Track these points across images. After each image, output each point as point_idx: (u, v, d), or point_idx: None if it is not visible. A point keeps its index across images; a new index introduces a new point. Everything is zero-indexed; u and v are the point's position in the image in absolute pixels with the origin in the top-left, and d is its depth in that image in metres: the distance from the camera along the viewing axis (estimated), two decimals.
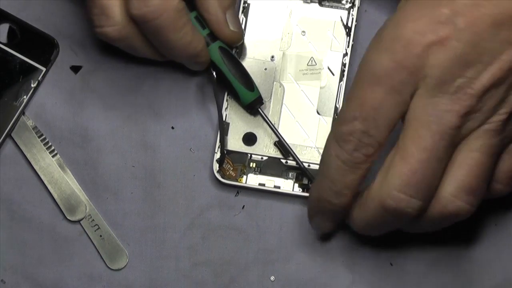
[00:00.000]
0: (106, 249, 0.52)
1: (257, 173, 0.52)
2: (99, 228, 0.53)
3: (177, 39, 0.49)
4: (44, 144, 0.53)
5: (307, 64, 0.53)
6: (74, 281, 0.52)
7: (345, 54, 0.53)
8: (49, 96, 0.54)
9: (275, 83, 0.53)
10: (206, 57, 0.51)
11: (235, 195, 0.53)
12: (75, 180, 0.53)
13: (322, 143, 0.51)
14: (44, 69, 0.53)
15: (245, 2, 0.53)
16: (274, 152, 0.52)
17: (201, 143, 0.53)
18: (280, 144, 0.52)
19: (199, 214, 0.53)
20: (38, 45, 0.53)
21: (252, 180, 0.52)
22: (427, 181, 0.44)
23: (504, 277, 0.52)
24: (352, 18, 0.53)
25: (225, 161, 0.52)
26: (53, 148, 0.53)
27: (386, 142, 0.44)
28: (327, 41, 0.53)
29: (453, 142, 0.43)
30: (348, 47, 0.53)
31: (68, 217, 0.53)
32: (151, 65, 0.54)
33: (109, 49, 0.54)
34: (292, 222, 0.53)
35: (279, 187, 0.52)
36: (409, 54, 0.43)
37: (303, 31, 0.53)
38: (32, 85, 0.53)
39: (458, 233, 0.52)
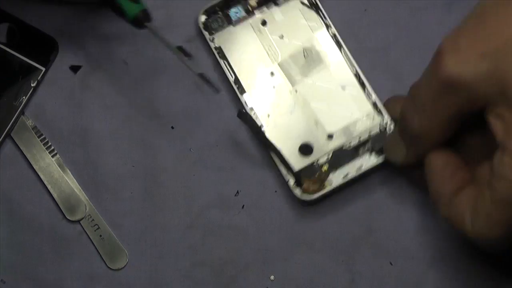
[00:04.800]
0: (106, 249, 0.52)
1: (334, 171, 0.52)
2: (99, 228, 0.53)
3: None
4: (44, 144, 0.53)
5: (304, 57, 0.53)
6: (74, 281, 0.52)
7: (328, 26, 0.53)
8: (49, 96, 0.54)
9: (290, 92, 0.53)
10: None
11: (235, 195, 0.53)
12: (75, 180, 0.53)
13: (366, 111, 0.52)
14: (43, 69, 0.53)
15: (216, 48, 0.53)
16: (333, 144, 0.52)
17: (201, 143, 0.53)
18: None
19: (199, 214, 0.53)
20: (38, 45, 0.53)
21: (336, 179, 0.52)
22: None
23: (504, 277, 0.52)
24: None
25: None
26: (52, 148, 0.53)
27: None
28: (305, 28, 0.53)
29: None
30: (325, 18, 0.53)
31: (68, 217, 0.53)
32: (151, 65, 0.54)
33: (109, 49, 0.54)
34: (292, 221, 0.53)
35: (361, 167, 0.51)
36: None
37: (281, 35, 0.53)
38: (31, 85, 0.53)
39: (458, 233, 0.52)
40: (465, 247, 0.52)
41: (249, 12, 0.54)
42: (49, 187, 0.53)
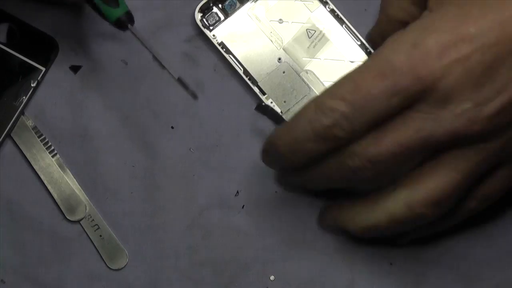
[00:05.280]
0: (106, 249, 0.52)
1: None
2: (99, 228, 0.53)
3: None
4: (44, 144, 0.53)
5: (309, 38, 0.53)
6: (74, 281, 0.52)
7: (325, 3, 0.53)
8: (49, 96, 0.54)
9: (301, 75, 0.53)
10: None
11: (235, 195, 0.53)
12: (75, 180, 0.53)
13: None
14: (43, 69, 0.53)
15: (219, 44, 0.53)
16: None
17: (201, 143, 0.53)
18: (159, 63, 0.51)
19: (199, 214, 0.53)
20: (38, 45, 0.53)
21: None
22: (387, 172, 0.44)
23: (504, 277, 0.52)
24: None
25: None
26: (52, 148, 0.53)
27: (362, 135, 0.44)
28: (302, 9, 0.53)
29: (434, 152, 0.44)
30: None
31: (68, 217, 0.53)
32: (151, 65, 0.54)
33: (109, 49, 0.54)
34: (292, 221, 0.53)
35: None
36: (426, 64, 0.42)
37: (280, 19, 0.54)
38: (31, 85, 0.53)
39: (458, 233, 0.52)
40: (465, 247, 0.52)
41: (243, 1, 0.54)
42: (49, 187, 0.53)
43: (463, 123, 0.42)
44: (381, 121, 0.43)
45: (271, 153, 0.48)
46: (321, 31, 0.53)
